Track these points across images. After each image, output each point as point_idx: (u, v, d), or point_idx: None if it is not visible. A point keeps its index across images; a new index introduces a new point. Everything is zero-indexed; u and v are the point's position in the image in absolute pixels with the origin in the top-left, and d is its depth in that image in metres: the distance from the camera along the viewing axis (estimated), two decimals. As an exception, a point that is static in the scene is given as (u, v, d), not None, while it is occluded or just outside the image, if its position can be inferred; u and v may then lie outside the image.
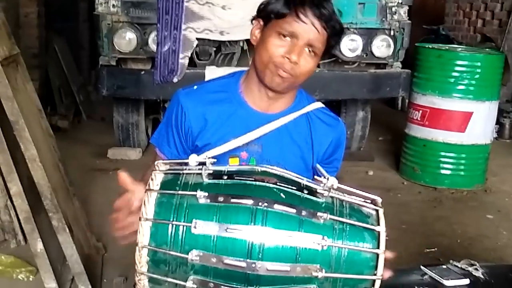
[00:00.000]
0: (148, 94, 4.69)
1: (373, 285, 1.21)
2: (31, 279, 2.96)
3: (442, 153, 4.82)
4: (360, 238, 1.20)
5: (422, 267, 1.86)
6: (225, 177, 1.23)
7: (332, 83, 4.67)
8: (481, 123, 4.74)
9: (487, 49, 5.74)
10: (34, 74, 5.28)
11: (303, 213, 1.18)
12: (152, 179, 1.22)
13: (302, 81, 1.54)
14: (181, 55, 4.42)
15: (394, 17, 4.81)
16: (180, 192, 1.19)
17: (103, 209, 3.71)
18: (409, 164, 5.01)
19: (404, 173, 5.08)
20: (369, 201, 1.27)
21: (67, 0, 7.55)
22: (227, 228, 1.15)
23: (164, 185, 1.22)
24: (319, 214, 1.19)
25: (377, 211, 1.25)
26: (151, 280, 1.21)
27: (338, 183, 1.24)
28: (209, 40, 4.53)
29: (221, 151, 1.47)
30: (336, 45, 1.58)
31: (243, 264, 1.15)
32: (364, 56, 4.83)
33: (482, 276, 1.83)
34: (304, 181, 1.24)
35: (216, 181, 1.22)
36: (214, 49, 4.64)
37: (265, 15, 1.53)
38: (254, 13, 1.59)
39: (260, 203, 1.16)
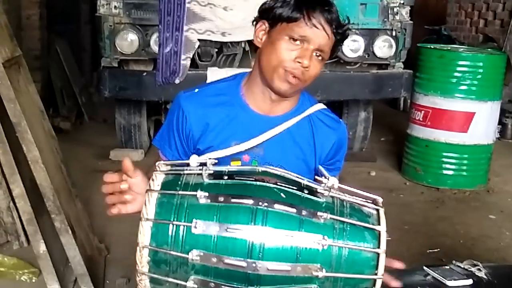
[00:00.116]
0: (150, 95, 4.69)
1: (374, 284, 1.21)
2: (34, 280, 2.96)
3: (445, 154, 4.81)
4: (361, 237, 1.20)
5: (425, 267, 1.86)
6: (226, 177, 1.23)
7: (334, 84, 4.66)
8: (483, 123, 4.73)
9: (489, 49, 5.73)
10: (36, 76, 5.29)
11: (304, 212, 1.18)
12: (153, 180, 1.22)
13: (305, 86, 1.55)
14: (183, 56, 4.42)
15: (396, 18, 4.81)
16: (180, 192, 1.20)
17: (105, 210, 3.71)
18: (411, 165, 5.01)
19: (406, 173, 5.08)
20: (369, 201, 1.27)
21: (69, 2, 7.57)
22: (227, 228, 1.15)
23: (165, 185, 1.22)
24: (319, 213, 1.19)
25: (377, 210, 1.25)
26: (152, 280, 1.21)
27: (340, 183, 1.24)
28: (211, 41, 4.53)
29: (224, 154, 1.47)
30: (336, 52, 1.58)
31: (244, 264, 1.15)
32: (366, 56, 4.83)
33: (485, 277, 1.82)
34: (305, 181, 1.24)
35: (216, 181, 1.22)
36: (216, 50, 4.64)
37: (272, 18, 1.52)
38: (256, 14, 1.59)
39: (260, 203, 1.17)
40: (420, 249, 3.52)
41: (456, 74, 4.68)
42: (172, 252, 1.16)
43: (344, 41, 1.59)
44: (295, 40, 1.47)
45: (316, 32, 1.47)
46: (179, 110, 1.59)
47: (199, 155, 1.33)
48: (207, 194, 1.18)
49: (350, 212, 1.22)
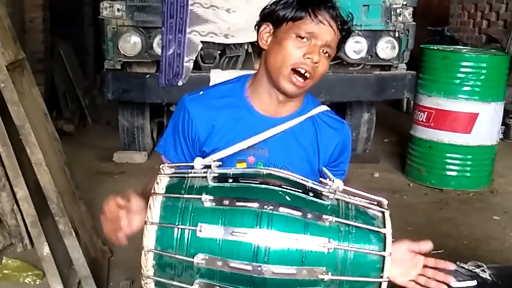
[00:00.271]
0: (153, 97, 4.69)
1: (380, 287, 1.20)
2: (37, 283, 2.97)
3: (448, 155, 4.80)
4: (366, 240, 1.20)
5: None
6: (230, 180, 1.23)
7: (337, 85, 4.66)
8: (486, 124, 4.72)
9: (492, 50, 5.73)
10: (40, 78, 5.29)
11: (309, 215, 1.18)
12: (157, 183, 1.22)
13: (314, 84, 1.55)
14: (186, 59, 4.42)
15: (399, 19, 4.80)
16: (185, 195, 1.20)
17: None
18: (415, 166, 5.00)
19: (410, 174, 5.07)
20: (375, 203, 1.27)
21: (72, 5, 7.58)
22: (232, 231, 1.15)
23: (170, 188, 1.22)
24: (324, 216, 1.19)
25: (383, 213, 1.25)
26: (157, 283, 1.21)
27: (344, 185, 1.24)
28: (213, 43, 4.53)
29: (227, 153, 1.47)
30: (340, 50, 1.59)
31: (249, 268, 1.15)
32: (369, 58, 4.82)
33: (489, 278, 1.82)
34: (310, 184, 1.24)
35: (221, 184, 1.22)
36: (219, 52, 4.64)
37: (276, 20, 1.53)
38: (258, 15, 1.60)
39: (265, 206, 1.16)
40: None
41: (459, 75, 4.67)
42: (177, 256, 1.16)
43: (349, 38, 1.60)
44: (302, 38, 1.48)
45: (323, 28, 1.48)
46: (184, 113, 1.59)
47: (204, 158, 1.33)
48: (212, 197, 1.17)
49: (355, 215, 1.22)
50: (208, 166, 1.25)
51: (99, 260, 3.15)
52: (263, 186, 1.22)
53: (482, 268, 1.86)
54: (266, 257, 1.15)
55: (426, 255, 1.39)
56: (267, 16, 1.56)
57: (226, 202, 1.17)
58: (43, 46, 6.09)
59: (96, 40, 7.36)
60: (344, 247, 1.18)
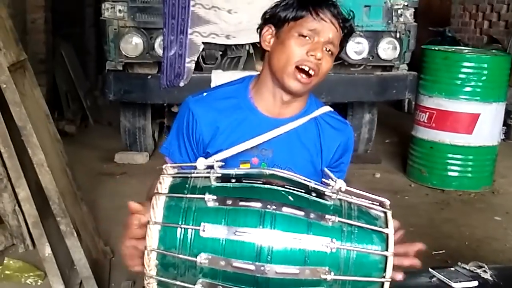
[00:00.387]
0: (154, 98, 4.70)
1: (382, 287, 1.20)
2: (39, 283, 2.97)
3: (449, 155, 4.80)
4: (369, 240, 1.20)
5: (430, 269, 1.86)
6: (233, 180, 1.23)
7: (339, 86, 4.67)
8: (488, 125, 4.72)
9: (493, 51, 5.73)
10: (41, 79, 5.31)
11: (312, 215, 1.18)
12: (160, 183, 1.22)
13: (318, 82, 1.55)
14: (187, 59, 4.43)
15: (400, 20, 4.80)
16: (188, 195, 1.20)
17: (111, 213, 3.72)
18: (416, 166, 5.00)
19: (411, 175, 5.07)
20: (377, 203, 1.27)
21: (74, 6, 7.59)
22: (235, 231, 1.15)
23: (173, 188, 1.22)
24: (327, 216, 1.19)
25: (385, 213, 1.25)
26: (160, 283, 1.21)
27: (346, 186, 1.24)
28: (215, 44, 4.53)
29: (231, 154, 1.47)
30: (343, 49, 1.60)
31: (252, 267, 1.15)
32: (370, 58, 4.82)
33: (490, 278, 1.82)
34: (312, 184, 1.24)
35: (224, 184, 1.22)
36: (220, 53, 4.65)
37: (277, 21, 1.54)
38: (260, 16, 1.60)
39: (268, 206, 1.17)
40: (425, 251, 3.51)
41: (460, 75, 4.67)
42: (180, 256, 1.16)
43: (351, 37, 1.61)
44: (304, 36, 1.50)
45: (325, 25, 1.49)
46: (189, 114, 1.59)
47: (207, 159, 1.34)
48: (215, 197, 1.18)
49: (358, 215, 1.22)
50: (211, 167, 1.25)
51: (100, 260, 3.15)
52: (266, 186, 1.22)
53: (483, 268, 1.86)
54: (269, 257, 1.15)
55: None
56: (269, 19, 1.57)
57: (229, 202, 1.17)
58: (45, 47, 6.09)
59: (97, 41, 7.36)
60: (347, 247, 1.18)
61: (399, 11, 4.78)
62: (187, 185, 1.22)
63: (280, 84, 1.54)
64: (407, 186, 4.92)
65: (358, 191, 1.27)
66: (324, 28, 1.49)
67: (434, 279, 1.82)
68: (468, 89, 4.67)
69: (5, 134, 2.84)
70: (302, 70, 1.50)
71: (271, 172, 1.25)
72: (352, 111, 5.45)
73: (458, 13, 8.28)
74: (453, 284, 1.76)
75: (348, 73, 4.86)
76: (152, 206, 1.19)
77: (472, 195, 4.71)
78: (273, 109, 1.59)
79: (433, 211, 4.36)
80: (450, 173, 4.83)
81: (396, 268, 1.21)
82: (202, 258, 1.15)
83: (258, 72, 1.65)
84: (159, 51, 4.52)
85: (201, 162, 1.26)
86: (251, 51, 4.62)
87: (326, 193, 1.23)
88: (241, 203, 1.17)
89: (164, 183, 1.22)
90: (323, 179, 1.31)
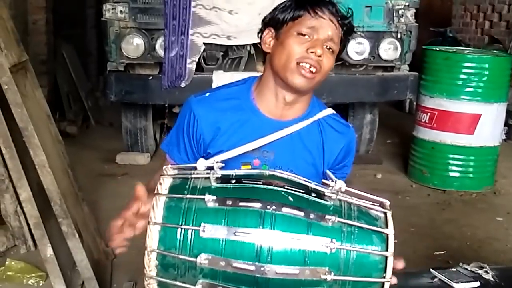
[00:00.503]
0: (156, 99, 4.71)
1: (382, 287, 1.21)
2: (41, 284, 2.97)
3: (451, 156, 4.80)
4: (369, 240, 1.20)
5: (431, 270, 1.86)
6: (233, 181, 1.23)
7: (340, 87, 4.66)
8: (489, 125, 4.72)
9: (494, 51, 5.73)
10: (43, 80, 5.31)
11: (312, 216, 1.18)
12: (160, 184, 1.23)
13: (321, 81, 1.55)
14: (188, 60, 4.43)
15: (401, 20, 4.80)
16: (188, 196, 1.20)
17: (112, 214, 3.71)
18: (417, 167, 5.00)
19: (412, 175, 5.07)
20: (377, 204, 1.27)
21: (75, 7, 7.60)
22: (235, 231, 1.16)
23: (173, 189, 1.22)
24: (327, 217, 1.19)
25: (385, 213, 1.25)
26: (160, 284, 1.21)
27: (347, 186, 1.25)
28: (216, 44, 4.53)
29: (232, 155, 1.48)
30: (343, 49, 1.60)
31: (252, 268, 1.15)
32: (372, 59, 4.82)
33: (492, 279, 1.82)
34: (312, 184, 1.24)
35: (224, 185, 1.22)
36: (222, 53, 4.65)
37: (276, 23, 1.55)
38: (261, 17, 1.62)
39: (268, 207, 1.17)
40: (427, 251, 3.52)
41: (461, 76, 4.67)
42: (180, 256, 1.16)
43: (351, 34, 1.61)
44: (303, 35, 1.50)
45: (323, 22, 1.50)
46: (190, 114, 1.59)
47: (208, 159, 1.34)
48: (215, 197, 1.18)
49: (357, 215, 1.22)
50: (211, 168, 1.25)
51: (102, 261, 3.15)
52: (266, 186, 1.22)
53: (485, 269, 1.86)
54: (269, 257, 1.15)
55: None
56: (269, 22, 1.59)
57: (229, 202, 1.18)
58: (46, 48, 6.10)
59: (99, 42, 7.37)
60: (347, 248, 1.18)
61: (400, 12, 4.78)
62: (187, 186, 1.22)
63: (284, 83, 1.54)
64: (408, 187, 4.92)
65: (358, 192, 1.27)
66: (322, 25, 1.50)
67: (435, 279, 1.82)
68: (469, 89, 4.67)
69: (6, 135, 2.84)
70: (303, 68, 1.50)
71: (271, 172, 1.25)
72: (353, 112, 5.45)
73: (459, 13, 8.28)
74: (454, 285, 1.76)
75: (349, 74, 4.86)
76: (152, 206, 1.19)
77: (473, 196, 4.71)
78: (275, 111, 1.59)
79: (434, 212, 4.36)
80: (451, 174, 4.83)
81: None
82: (202, 259, 1.15)
83: (261, 73, 1.65)
84: (160, 52, 4.52)
85: (201, 163, 1.26)
86: (252, 51, 4.62)
87: (326, 193, 1.23)
88: (241, 204, 1.17)
89: (164, 184, 1.22)
90: (323, 180, 1.31)
